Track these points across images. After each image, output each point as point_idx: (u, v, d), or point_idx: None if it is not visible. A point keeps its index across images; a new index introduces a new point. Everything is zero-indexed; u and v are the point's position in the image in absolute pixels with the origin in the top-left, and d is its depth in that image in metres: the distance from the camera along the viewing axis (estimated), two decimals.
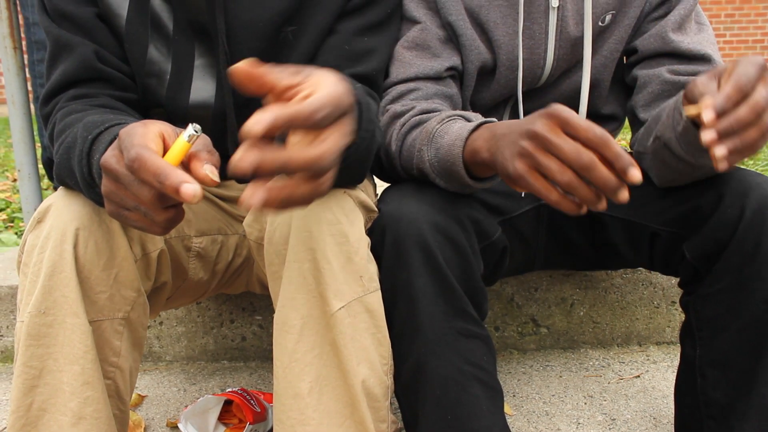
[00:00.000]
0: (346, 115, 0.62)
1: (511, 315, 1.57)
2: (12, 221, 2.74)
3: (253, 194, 0.58)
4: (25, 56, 1.87)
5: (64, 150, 0.86)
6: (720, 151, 0.74)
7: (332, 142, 0.59)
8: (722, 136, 0.74)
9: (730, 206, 0.96)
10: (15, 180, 3.39)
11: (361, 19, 1.02)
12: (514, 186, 0.81)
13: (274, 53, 1.03)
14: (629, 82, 1.15)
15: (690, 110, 0.78)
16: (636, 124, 1.12)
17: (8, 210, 2.89)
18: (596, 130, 0.71)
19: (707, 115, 0.74)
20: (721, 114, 0.73)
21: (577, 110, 1.14)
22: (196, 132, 0.64)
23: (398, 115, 1.03)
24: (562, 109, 0.74)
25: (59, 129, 0.92)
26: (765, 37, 9.17)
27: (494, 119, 0.91)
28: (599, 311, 1.58)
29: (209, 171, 0.66)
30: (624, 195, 0.72)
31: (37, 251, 0.86)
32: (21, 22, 1.83)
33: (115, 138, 0.76)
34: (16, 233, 2.52)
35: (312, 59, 1.03)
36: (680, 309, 1.14)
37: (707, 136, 0.74)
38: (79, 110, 0.94)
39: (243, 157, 0.56)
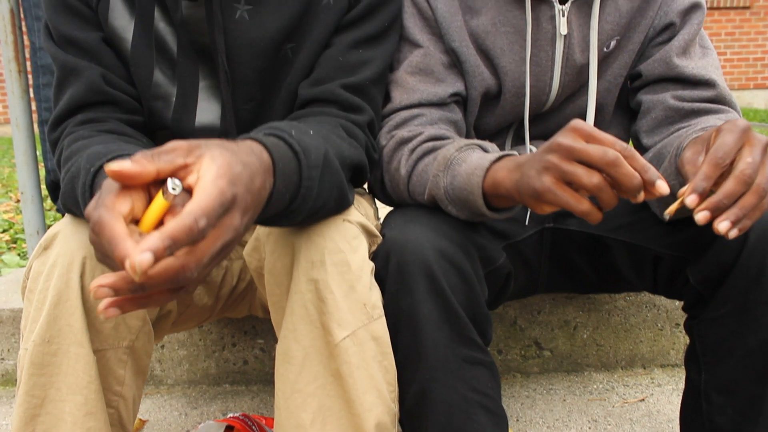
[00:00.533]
0: (229, 210, 0.61)
1: (514, 338, 1.57)
2: (15, 242, 2.74)
3: (105, 309, 0.59)
4: (29, 78, 1.88)
5: (69, 179, 0.87)
6: (723, 226, 0.74)
7: (200, 250, 0.59)
8: (717, 212, 0.74)
9: (758, 242, 0.96)
10: (18, 201, 3.39)
11: (356, 32, 1.03)
12: (539, 206, 0.81)
13: (274, 70, 1.04)
14: (633, 106, 1.16)
15: (671, 208, 0.78)
16: (640, 149, 1.13)
17: (11, 231, 2.90)
18: (622, 144, 0.74)
19: (691, 202, 0.75)
20: (702, 193, 0.74)
21: None
22: (174, 190, 0.61)
23: (406, 141, 1.03)
24: (584, 124, 0.76)
25: (66, 156, 0.93)
26: (765, 55, 9.21)
27: (515, 152, 0.92)
28: (603, 334, 1.57)
29: None
30: (641, 196, 0.74)
31: (43, 278, 0.86)
32: (27, 45, 1.84)
33: None
34: (18, 254, 2.52)
35: (309, 74, 1.04)
36: (685, 331, 1.14)
37: (701, 216, 0.75)
38: (87, 136, 0.95)
39: (98, 283, 0.57)
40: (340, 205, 0.89)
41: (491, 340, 1.00)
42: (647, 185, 0.73)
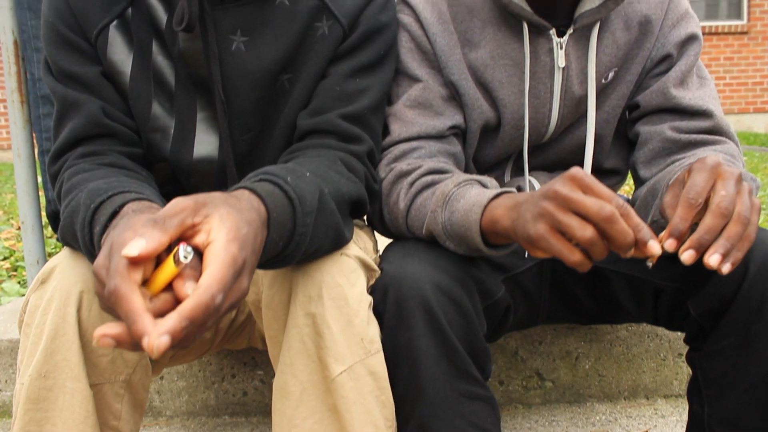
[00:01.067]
0: (240, 275, 0.63)
1: (515, 369, 1.55)
2: (15, 270, 2.74)
3: (101, 338, 0.60)
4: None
5: (69, 214, 0.87)
6: (713, 259, 0.74)
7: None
8: (701, 249, 0.74)
9: (759, 273, 0.95)
10: (19, 228, 3.39)
11: (352, 61, 1.04)
12: (533, 251, 0.81)
13: (271, 101, 1.04)
14: (632, 137, 1.16)
15: (653, 259, 0.77)
16: (638, 180, 1.13)
17: (12, 258, 2.90)
18: (618, 200, 0.74)
19: (669, 246, 0.75)
20: (680, 236, 0.75)
21: (581, 165, 1.15)
22: (186, 258, 0.62)
23: (405, 174, 1.03)
24: (583, 174, 0.76)
25: (66, 189, 0.93)
26: (764, 79, 9.27)
27: (513, 189, 0.92)
28: (605, 364, 1.56)
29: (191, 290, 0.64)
30: (631, 253, 0.74)
31: (40, 312, 0.86)
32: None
33: (117, 211, 0.78)
34: (18, 282, 2.52)
35: (307, 104, 1.04)
36: (687, 363, 1.13)
37: (686, 256, 0.75)
38: (87, 170, 0.95)
39: (102, 332, 0.59)
40: (337, 245, 0.90)
41: (491, 374, 0.99)
42: (639, 244, 0.74)
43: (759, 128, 9.36)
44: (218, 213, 0.65)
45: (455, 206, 0.92)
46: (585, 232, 0.74)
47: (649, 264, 0.78)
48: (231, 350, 1.54)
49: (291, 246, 0.79)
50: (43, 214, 1.95)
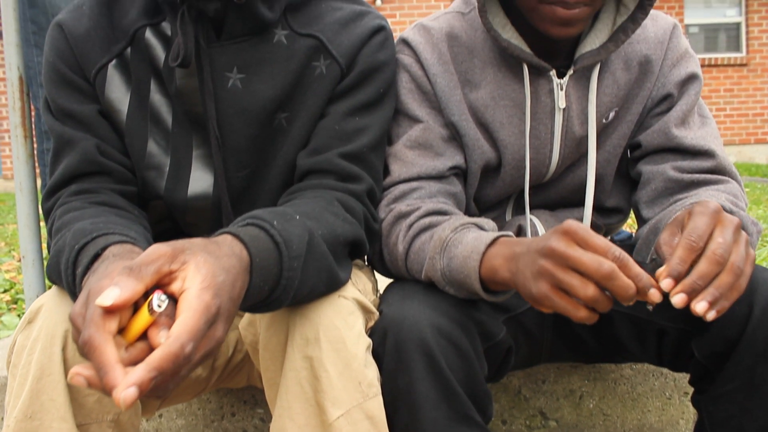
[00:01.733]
0: (214, 323, 0.63)
1: (518, 408, 1.53)
2: (15, 302, 2.73)
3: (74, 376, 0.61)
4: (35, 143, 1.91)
5: (55, 253, 0.88)
6: (700, 306, 0.75)
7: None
8: (693, 294, 0.75)
9: (737, 303, 0.94)
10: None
11: (351, 100, 1.04)
12: (539, 307, 0.81)
13: (268, 139, 1.04)
14: (634, 176, 1.16)
15: (653, 298, 0.77)
16: (640, 219, 1.12)
17: (12, 291, 2.88)
18: (615, 251, 0.74)
19: (666, 285, 0.75)
20: (678, 277, 0.75)
21: (582, 204, 1.14)
22: (160, 306, 0.62)
23: (404, 216, 1.03)
24: (578, 227, 0.76)
25: (56, 227, 0.94)
26: (765, 111, 9.32)
27: (510, 233, 0.92)
28: (609, 403, 1.53)
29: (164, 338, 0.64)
30: (634, 300, 0.75)
31: (27, 353, 0.86)
32: (32, 112, 1.87)
33: (99, 254, 0.78)
34: (18, 315, 2.50)
35: (306, 144, 1.04)
36: (692, 406, 1.11)
37: (677, 299, 0.75)
38: (78, 208, 0.96)
39: (77, 371, 0.60)
40: (332, 287, 0.89)
41: (492, 417, 0.97)
42: (641, 293, 0.74)
43: (760, 159, 9.38)
44: (195, 260, 0.65)
45: (453, 252, 0.92)
46: (587, 291, 0.74)
47: (649, 307, 0.78)
48: (231, 388, 1.52)
49: (278, 290, 0.79)
50: (45, 248, 1.95)
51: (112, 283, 0.62)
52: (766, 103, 9.32)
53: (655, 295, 0.74)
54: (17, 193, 1.83)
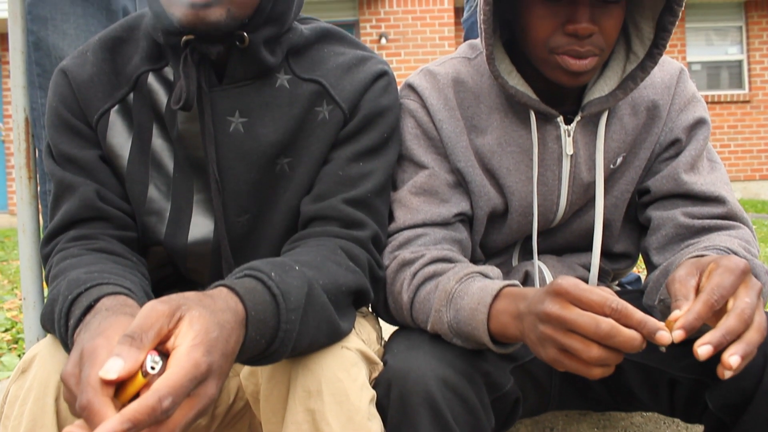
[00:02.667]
0: (205, 381, 0.63)
1: None
2: (16, 342, 2.70)
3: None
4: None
5: (50, 302, 0.87)
6: (734, 360, 0.73)
7: (172, 422, 0.61)
8: (719, 347, 0.73)
9: None
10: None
11: (355, 145, 1.03)
12: (553, 367, 0.80)
13: (270, 184, 1.03)
14: (643, 221, 1.14)
15: (662, 340, 0.75)
16: (650, 265, 1.10)
17: (13, 330, 2.86)
18: (611, 303, 0.72)
19: (678, 337, 0.73)
20: (691, 331, 0.73)
21: (589, 249, 1.13)
22: (154, 369, 0.62)
23: (408, 263, 1.01)
24: (568, 286, 0.75)
25: (53, 274, 0.94)
26: None
27: (516, 281, 0.91)
28: None
29: None
30: (644, 345, 0.73)
31: (19, 403, 0.84)
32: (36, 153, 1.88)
33: (92, 305, 0.77)
34: (18, 356, 2.48)
35: (309, 190, 1.03)
36: None
37: (704, 351, 0.73)
38: (75, 255, 0.95)
39: (69, 430, 0.59)
40: (333, 338, 0.88)
41: None
42: (647, 337, 0.72)
43: (766, 195, 9.36)
44: (189, 315, 0.65)
45: (460, 304, 0.91)
46: (590, 353, 0.73)
47: (663, 349, 0.76)
48: None
49: (276, 343, 0.78)
50: (46, 288, 1.94)
51: (114, 353, 0.61)
52: None
53: (664, 337, 0.72)
54: (20, 234, 1.82)
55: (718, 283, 0.76)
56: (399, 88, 1.14)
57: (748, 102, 9.30)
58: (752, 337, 0.74)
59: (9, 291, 3.74)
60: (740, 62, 9.45)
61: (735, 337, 0.74)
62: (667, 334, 0.72)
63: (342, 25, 8.60)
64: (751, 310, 0.75)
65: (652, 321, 0.72)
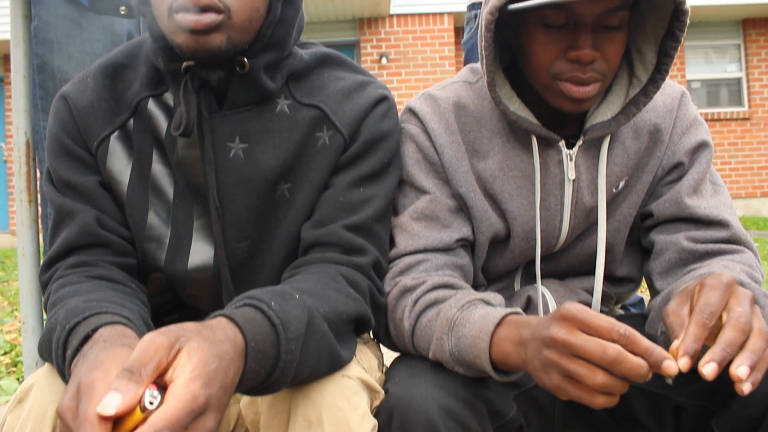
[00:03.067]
0: (203, 414, 0.62)
1: None
2: (15, 365, 2.69)
3: None
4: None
5: (48, 330, 0.86)
6: (742, 371, 0.71)
7: None
8: (723, 362, 0.71)
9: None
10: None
11: (355, 171, 1.02)
12: (556, 395, 0.78)
13: (270, 210, 1.03)
14: (646, 245, 1.13)
15: (669, 370, 0.74)
16: (653, 290, 1.09)
17: (12, 353, 2.85)
18: (619, 329, 0.71)
19: (684, 365, 0.72)
20: (693, 355, 0.72)
21: (592, 273, 1.12)
22: (152, 404, 0.61)
23: (409, 290, 1.00)
24: (576, 310, 0.73)
25: (52, 302, 0.93)
26: None
27: (519, 309, 0.89)
28: None
29: None
30: (650, 376, 0.72)
31: None
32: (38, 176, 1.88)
33: (89, 335, 0.77)
34: (17, 379, 2.46)
35: (310, 215, 1.03)
36: None
37: (708, 370, 0.71)
38: (74, 282, 0.95)
39: None
40: (333, 367, 0.87)
41: None
42: (654, 367, 0.71)
43: (767, 212, 9.35)
44: (188, 347, 0.64)
45: (461, 332, 0.90)
46: (595, 379, 0.71)
47: (669, 381, 0.75)
48: None
49: (276, 373, 0.77)
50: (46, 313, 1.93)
51: (112, 388, 0.60)
52: None
53: (670, 367, 0.71)
54: (20, 258, 1.81)
55: (705, 301, 0.75)
56: (400, 112, 1.14)
57: (748, 119, 9.32)
58: (755, 344, 0.72)
59: (9, 313, 3.72)
60: (739, 80, 9.49)
61: (737, 349, 0.72)
62: (674, 364, 0.71)
63: (343, 45, 8.67)
64: (746, 317, 0.73)
65: (659, 350, 0.71)
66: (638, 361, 0.71)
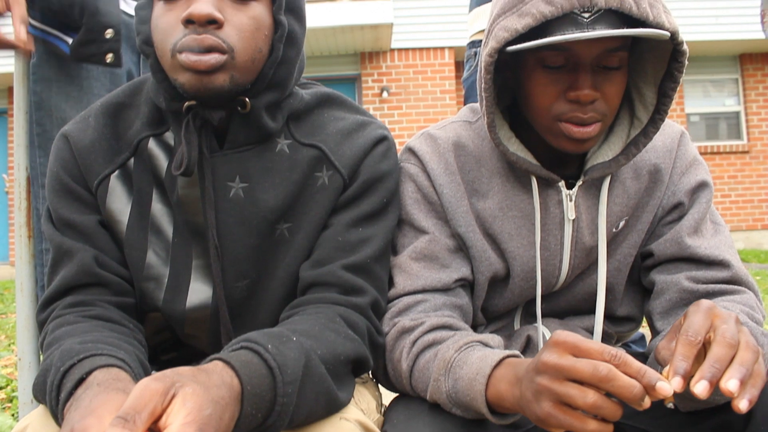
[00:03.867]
0: None
1: None
2: (11, 401, 2.65)
3: None
4: None
5: (43, 371, 0.85)
6: (732, 384, 0.69)
7: None
8: (713, 379, 0.70)
9: (762, 423, 0.89)
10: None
11: (355, 211, 1.02)
12: (548, 428, 0.77)
13: (270, 250, 1.02)
14: (647, 285, 1.13)
15: (671, 399, 0.73)
16: (654, 330, 1.08)
17: (8, 389, 2.81)
18: (611, 351, 0.70)
19: (677, 385, 0.71)
20: (684, 374, 0.71)
21: (592, 313, 1.11)
22: None
23: (408, 330, 1.00)
24: (567, 335, 0.73)
25: (48, 342, 0.92)
26: None
27: (517, 352, 0.89)
28: None
29: None
30: (648, 402, 0.70)
31: None
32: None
33: (84, 378, 0.76)
34: (12, 415, 2.43)
35: (308, 255, 1.02)
36: None
37: (700, 388, 0.70)
38: (71, 322, 0.94)
39: None
40: (331, 410, 0.86)
41: None
42: (648, 389, 0.69)
43: None
44: (183, 393, 0.64)
45: (458, 373, 0.89)
46: (586, 398, 0.70)
47: (670, 405, 0.74)
48: None
49: (272, 417, 0.76)
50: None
51: None
52: None
53: (665, 388, 0.69)
54: (17, 294, 1.81)
55: (689, 323, 0.75)
56: (399, 151, 1.14)
57: (747, 152, 9.36)
58: (744, 356, 0.71)
59: (6, 347, 3.69)
60: (738, 113, 9.55)
61: (726, 364, 0.71)
62: (668, 385, 0.69)
63: (344, 79, 8.73)
64: (732, 333, 0.73)
65: (651, 371, 0.70)
66: (630, 380, 0.69)
